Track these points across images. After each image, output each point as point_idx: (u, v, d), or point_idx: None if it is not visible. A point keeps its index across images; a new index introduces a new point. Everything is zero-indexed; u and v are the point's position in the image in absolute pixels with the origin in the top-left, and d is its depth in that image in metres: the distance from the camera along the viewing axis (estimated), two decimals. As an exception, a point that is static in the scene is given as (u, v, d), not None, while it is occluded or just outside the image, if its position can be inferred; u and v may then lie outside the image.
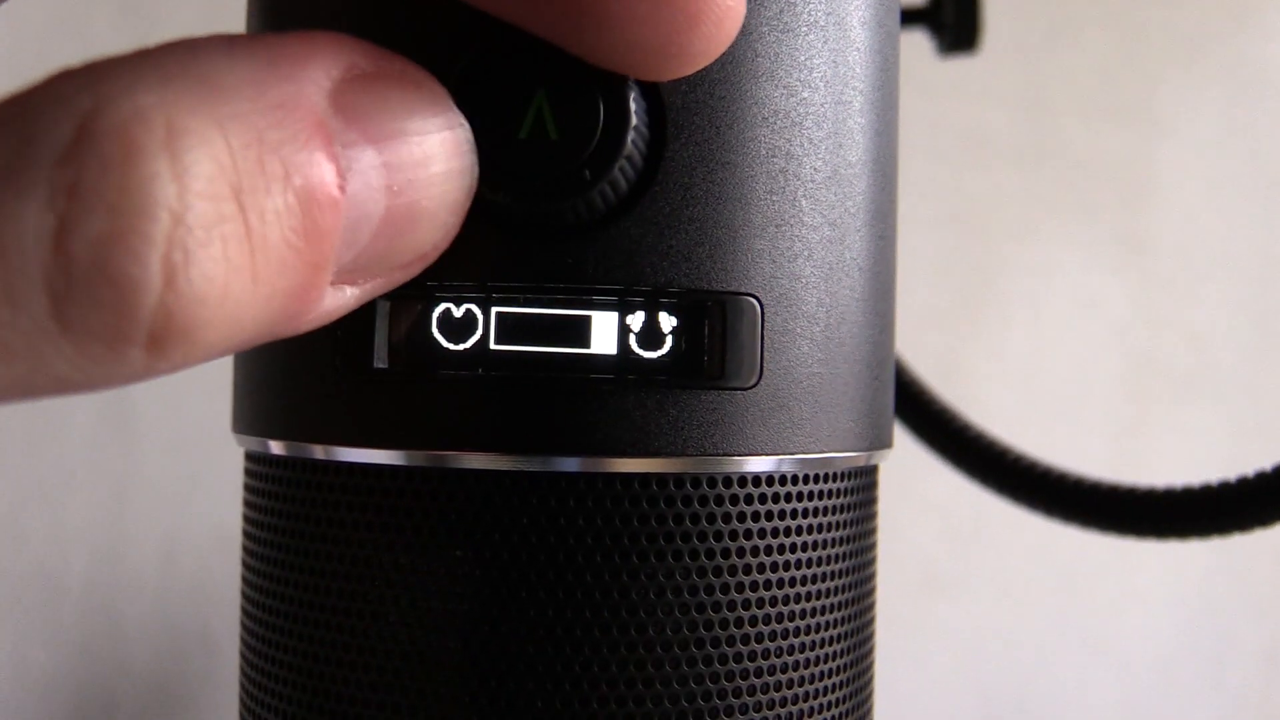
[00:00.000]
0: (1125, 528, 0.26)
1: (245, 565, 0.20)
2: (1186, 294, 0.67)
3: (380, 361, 0.17)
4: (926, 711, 0.65)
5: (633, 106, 0.16)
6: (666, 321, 0.17)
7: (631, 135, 0.16)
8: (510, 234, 0.17)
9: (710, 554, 0.17)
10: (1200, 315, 0.67)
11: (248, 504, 0.20)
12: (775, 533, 0.18)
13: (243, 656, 0.20)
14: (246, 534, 0.20)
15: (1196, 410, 0.67)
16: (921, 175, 0.63)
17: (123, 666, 0.48)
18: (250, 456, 0.20)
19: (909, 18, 0.34)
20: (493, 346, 0.17)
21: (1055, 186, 0.65)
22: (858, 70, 0.18)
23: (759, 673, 0.17)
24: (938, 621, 0.65)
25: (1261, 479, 0.25)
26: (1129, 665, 0.67)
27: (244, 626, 0.20)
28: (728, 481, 0.17)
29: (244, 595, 0.20)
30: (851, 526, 0.19)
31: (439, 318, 0.17)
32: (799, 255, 0.18)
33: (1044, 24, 0.65)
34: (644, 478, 0.17)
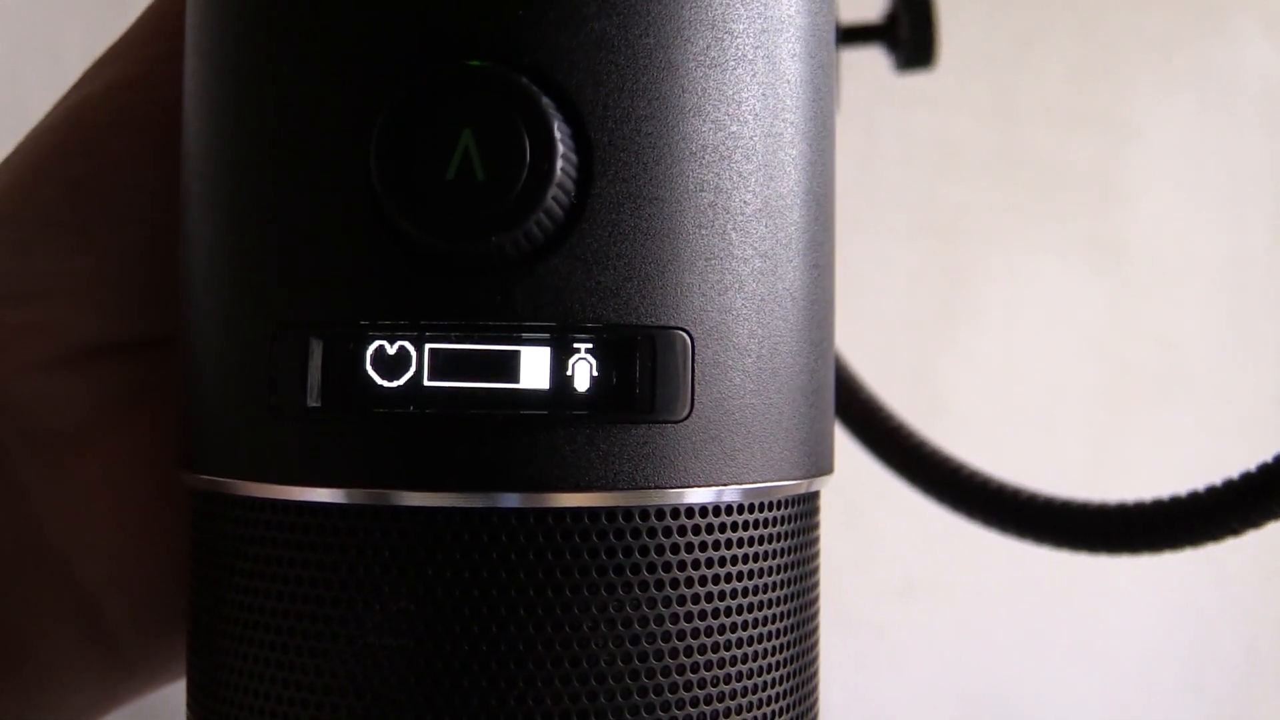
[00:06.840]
0: (1079, 543, 0.26)
1: (189, 603, 0.20)
2: (1159, 298, 0.68)
3: (314, 400, 0.17)
4: (907, 716, 0.65)
5: (559, 145, 0.16)
6: (597, 356, 0.17)
7: (558, 174, 0.16)
8: (442, 272, 0.17)
9: (645, 586, 0.17)
10: (1173, 319, 0.68)
11: (191, 541, 0.20)
12: (712, 563, 0.18)
13: (189, 693, 0.20)
14: (190, 571, 0.20)
15: (1171, 414, 0.68)
16: (895, 186, 0.63)
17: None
18: (192, 494, 0.20)
19: (864, 34, 0.34)
20: (426, 383, 0.17)
21: (1028, 194, 0.66)
22: (788, 103, 0.19)
23: (697, 702, 0.17)
24: (918, 626, 0.66)
25: (1212, 493, 0.25)
26: (1110, 668, 0.68)
27: (190, 664, 0.20)
28: (660, 514, 0.17)
29: (188, 633, 0.20)
30: (791, 554, 0.19)
31: (372, 355, 0.17)
32: (729, 288, 0.18)
33: (1014, 33, 0.65)
34: (577, 512, 0.17)
